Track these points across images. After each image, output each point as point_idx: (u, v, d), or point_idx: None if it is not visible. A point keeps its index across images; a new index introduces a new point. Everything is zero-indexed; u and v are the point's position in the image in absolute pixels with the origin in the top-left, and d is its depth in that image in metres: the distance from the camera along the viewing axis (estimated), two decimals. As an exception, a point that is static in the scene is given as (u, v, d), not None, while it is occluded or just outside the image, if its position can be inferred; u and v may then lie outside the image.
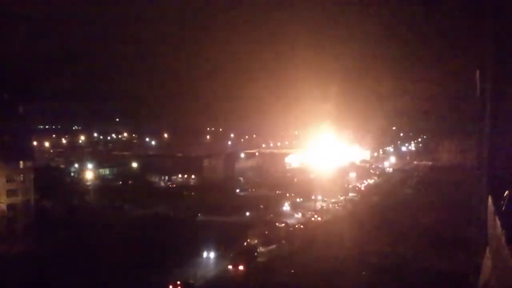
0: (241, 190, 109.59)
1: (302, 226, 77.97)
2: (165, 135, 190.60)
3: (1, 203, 69.04)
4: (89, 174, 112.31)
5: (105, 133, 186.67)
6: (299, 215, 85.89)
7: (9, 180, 71.15)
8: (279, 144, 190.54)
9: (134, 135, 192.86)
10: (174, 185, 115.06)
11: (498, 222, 7.70)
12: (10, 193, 70.76)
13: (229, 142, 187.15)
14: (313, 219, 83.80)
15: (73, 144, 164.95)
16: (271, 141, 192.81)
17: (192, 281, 51.86)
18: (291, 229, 75.26)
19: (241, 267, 56.15)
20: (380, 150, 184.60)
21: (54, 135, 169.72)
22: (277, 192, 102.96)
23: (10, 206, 70.10)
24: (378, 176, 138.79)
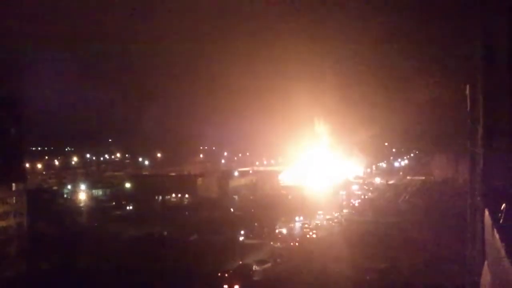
0: (235, 209, 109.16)
1: (297, 244, 77.84)
2: (158, 155, 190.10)
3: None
4: (82, 195, 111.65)
5: (98, 153, 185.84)
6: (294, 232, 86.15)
7: (1, 203, 70.55)
8: (272, 161, 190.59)
9: (127, 155, 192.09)
10: (168, 205, 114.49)
11: (497, 235, 7.70)
12: (2, 215, 70.12)
13: (223, 161, 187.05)
14: (308, 236, 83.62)
15: (65, 166, 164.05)
16: (264, 159, 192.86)
17: None
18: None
19: (236, 287, 55.75)
20: (373, 166, 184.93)
21: (46, 157, 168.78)
22: (272, 209, 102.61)
23: (2, 229, 69.40)
24: (372, 192, 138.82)
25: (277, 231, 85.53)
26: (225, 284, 56.16)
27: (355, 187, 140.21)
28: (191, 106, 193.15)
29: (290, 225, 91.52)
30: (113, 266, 60.31)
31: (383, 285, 54.16)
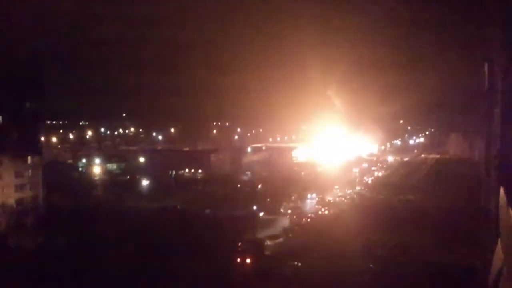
0: (248, 185, 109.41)
1: (309, 220, 78.21)
2: (172, 130, 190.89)
3: (10, 198, 69.34)
4: (97, 169, 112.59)
5: (112, 128, 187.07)
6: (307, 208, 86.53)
7: (17, 175, 71.40)
8: (286, 138, 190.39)
9: (141, 129, 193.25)
10: (181, 180, 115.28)
11: (511, 213, 7.59)
12: (18, 188, 71.06)
13: (236, 136, 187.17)
14: (320, 212, 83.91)
15: (80, 139, 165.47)
16: (278, 135, 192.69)
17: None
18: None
19: (248, 260, 56.26)
20: (388, 144, 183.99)
21: (61, 130, 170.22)
22: (284, 186, 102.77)
23: (18, 201, 70.42)
24: (386, 169, 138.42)
25: (281, 209, 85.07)
26: (238, 258, 56.71)
27: (368, 165, 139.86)
28: (205, 81, 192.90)
29: (302, 201, 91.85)
30: (129, 239, 61.08)
31: (393, 262, 54.26)
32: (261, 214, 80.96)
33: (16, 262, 54.21)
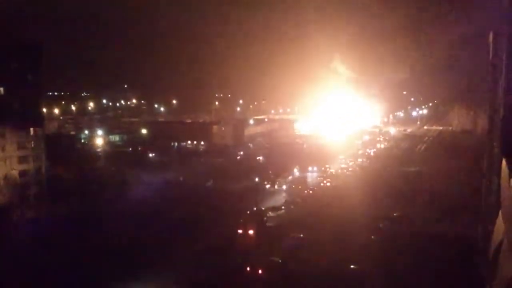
0: (249, 157, 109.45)
1: (311, 192, 78.44)
2: (174, 102, 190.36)
3: (13, 169, 69.48)
4: (99, 140, 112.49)
5: (114, 99, 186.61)
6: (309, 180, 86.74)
7: (20, 147, 71.22)
8: (288, 110, 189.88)
9: (142, 101, 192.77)
10: (184, 151, 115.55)
11: (513, 185, 7.50)
12: (21, 159, 70.98)
13: (238, 108, 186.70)
14: (322, 184, 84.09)
15: (82, 111, 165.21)
16: (280, 107, 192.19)
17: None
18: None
19: (250, 232, 56.56)
20: (391, 115, 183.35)
21: (63, 102, 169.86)
22: (286, 158, 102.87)
23: (22, 173, 70.56)
24: (388, 141, 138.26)
25: (276, 185, 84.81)
26: (240, 229, 57.02)
27: (371, 137, 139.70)
28: (207, 53, 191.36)
29: (304, 173, 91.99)
30: (130, 211, 61.55)
31: (394, 233, 54.56)
32: (267, 186, 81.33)
33: (20, 233, 54.84)
